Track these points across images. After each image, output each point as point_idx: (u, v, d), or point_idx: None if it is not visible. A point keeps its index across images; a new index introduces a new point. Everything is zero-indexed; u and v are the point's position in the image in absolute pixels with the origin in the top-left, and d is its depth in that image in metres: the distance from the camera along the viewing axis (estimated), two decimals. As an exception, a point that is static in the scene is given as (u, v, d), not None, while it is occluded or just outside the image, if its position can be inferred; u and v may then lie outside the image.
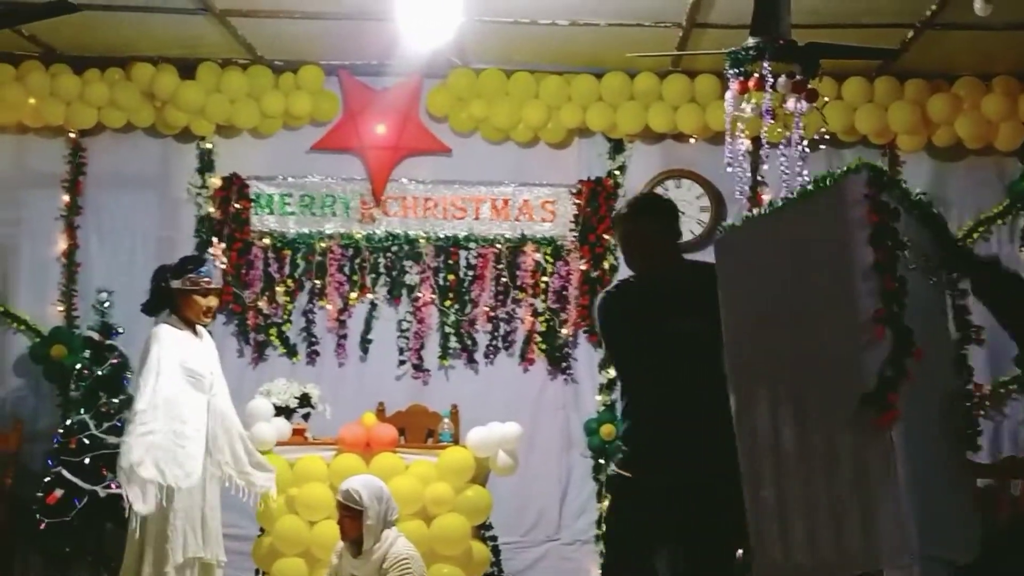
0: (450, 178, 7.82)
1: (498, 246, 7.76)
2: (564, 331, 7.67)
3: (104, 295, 7.29)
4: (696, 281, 4.25)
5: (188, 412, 5.49)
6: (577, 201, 7.74)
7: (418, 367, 7.71)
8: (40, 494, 6.90)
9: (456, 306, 7.73)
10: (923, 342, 3.44)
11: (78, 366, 7.19)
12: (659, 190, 7.65)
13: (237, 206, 7.73)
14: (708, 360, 3.95)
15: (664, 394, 4.25)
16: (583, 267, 7.66)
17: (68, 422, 7.09)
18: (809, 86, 5.55)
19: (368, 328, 7.74)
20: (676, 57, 7.22)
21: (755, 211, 4.25)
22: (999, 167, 7.66)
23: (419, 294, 7.73)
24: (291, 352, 7.71)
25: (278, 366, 7.62)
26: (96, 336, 7.21)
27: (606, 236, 7.57)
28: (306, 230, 7.78)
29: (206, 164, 7.80)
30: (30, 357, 7.61)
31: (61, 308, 7.70)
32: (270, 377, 7.08)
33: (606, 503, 6.49)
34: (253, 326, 7.71)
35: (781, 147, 5.93)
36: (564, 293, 7.69)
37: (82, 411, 7.04)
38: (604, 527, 4.57)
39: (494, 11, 6.64)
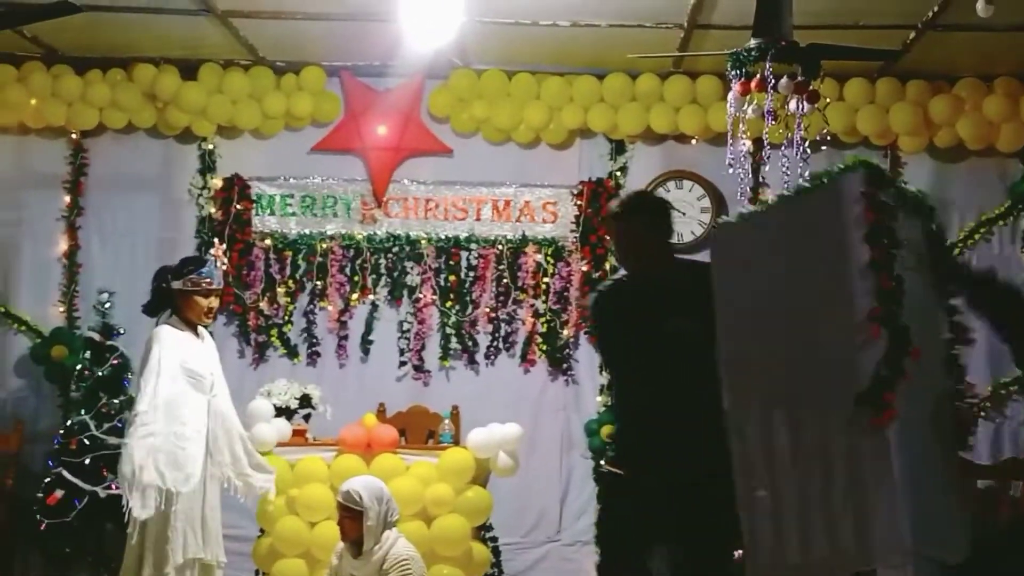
0: (451, 179, 7.82)
1: (499, 247, 7.76)
2: (565, 332, 7.67)
3: (105, 296, 7.28)
4: (689, 280, 4.25)
5: (189, 413, 5.49)
6: (578, 202, 7.74)
7: (419, 368, 7.72)
8: (40, 495, 6.90)
9: (457, 307, 7.73)
10: (918, 341, 3.44)
11: (79, 367, 7.19)
12: (661, 191, 7.64)
13: (238, 207, 7.73)
14: (701, 359, 3.95)
15: (657, 393, 4.24)
16: (584, 268, 7.66)
17: (69, 423, 7.09)
18: (811, 87, 5.54)
19: (369, 329, 7.74)
20: (678, 58, 7.22)
21: (751, 208, 4.25)
22: (1000, 168, 7.66)
23: (420, 295, 7.73)
24: (292, 353, 7.71)
25: (279, 367, 7.62)
26: (97, 337, 7.21)
27: (607, 237, 7.56)
28: (307, 231, 7.78)
29: (207, 165, 7.81)
30: (31, 358, 7.61)
31: (62, 309, 7.71)
32: (271, 378, 7.08)
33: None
34: (254, 327, 7.71)
35: (782, 148, 5.93)
36: (565, 294, 7.69)
37: (83, 412, 7.04)
38: (597, 526, 4.54)
39: (495, 12, 6.64)
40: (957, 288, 3.79)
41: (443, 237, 7.77)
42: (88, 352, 7.20)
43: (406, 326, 7.74)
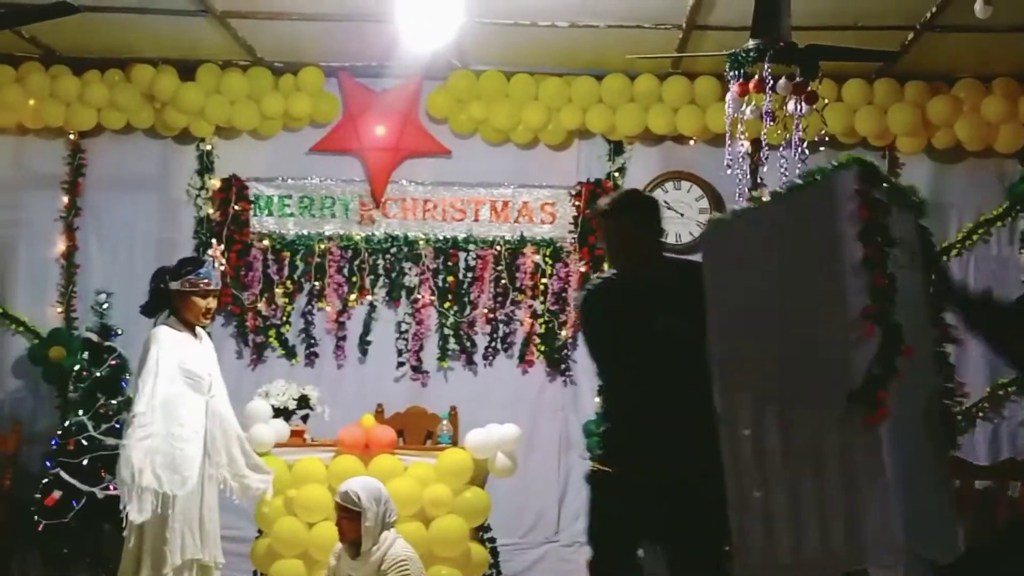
0: (450, 180, 7.82)
1: (497, 248, 7.75)
2: (563, 333, 7.67)
3: (103, 296, 7.28)
4: (679, 278, 4.25)
5: (186, 414, 5.48)
6: (577, 203, 7.73)
7: (417, 369, 7.71)
8: (38, 495, 6.90)
9: (455, 308, 7.73)
10: (911, 339, 3.43)
11: (77, 367, 7.18)
12: (659, 192, 7.65)
13: (236, 207, 7.73)
14: (691, 357, 3.94)
15: (646, 391, 4.22)
16: (582, 269, 7.66)
17: (66, 423, 7.09)
18: (809, 88, 5.54)
19: (367, 330, 7.74)
20: (676, 59, 7.23)
21: (743, 204, 4.24)
22: (999, 169, 7.66)
23: (418, 296, 7.73)
24: (290, 354, 7.71)
25: (277, 367, 7.62)
26: (95, 338, 7.21)
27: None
28: (305, 231, 7.78)
29: (205, 165, 7.80)
30: (29, 358, 7.61)
31: (60, 309, 7.70)
32: (269, 379, 7.08)
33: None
34: (252, 327, 7.70)
35: (781, 149, 5.93)
36: (563, 295, 7.68)
37: (80, 413, 7.04)
38: (587, 525, 4.52)
39: (494, 13, 6.64)
40: (954, 309, 3.78)
41: (441, 238, 7.77)
42: (86, 353, 7.20)
43: (404, 327, 7.74)
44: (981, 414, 7.39)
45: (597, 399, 7.58)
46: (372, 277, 7.76)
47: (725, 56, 5.59)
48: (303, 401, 6.69)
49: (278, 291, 7.71)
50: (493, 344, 7.72)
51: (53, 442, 7.09)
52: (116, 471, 5.40)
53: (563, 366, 7.70)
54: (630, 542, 4.37)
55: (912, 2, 6.33)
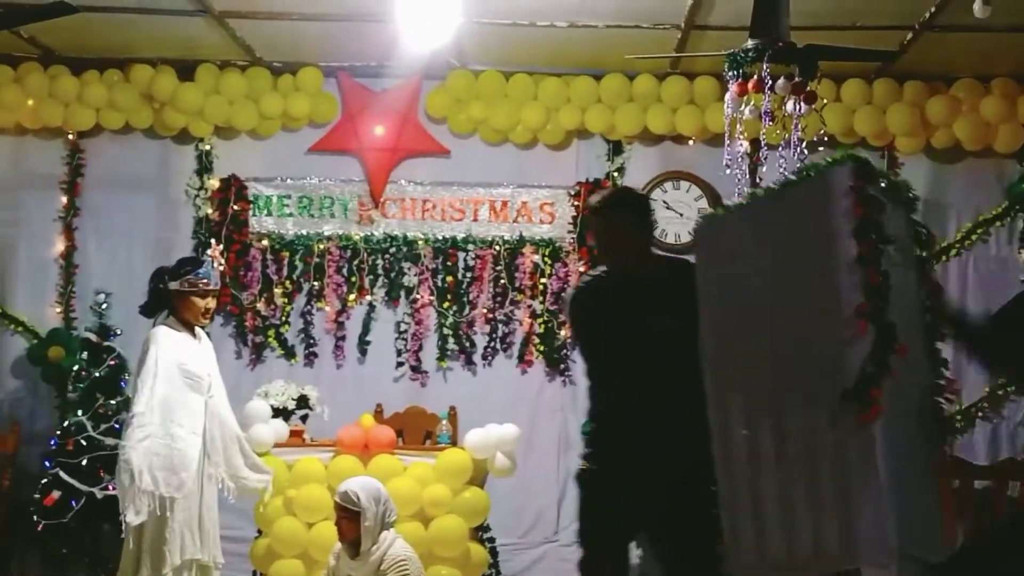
0: (449, 180, 7.81)
1: (496, 248, 7.75)
2: (562, 333, 7.66)
3: (102, 296, 7.28)
4: (670, 276, 4.23)
5: (185, 414, 5.48)
6: (576, 203, 7.73)
7: (416, 368, 7.71)
8: (37, 495, 6.90)
9: (454, 308, 7.73)
10: (904, 337, 3.42)
11: (76, 368, 7.18)
12: (658, 192, 7.66)
13: (235, 207, 7.72)
14: (683, 356, 3.93)
15: (637, 390, 4.19)
16: (581, 269, 7.64)
17: (66, 424, 7.08)
18: (808, 88, 5.55)
19: (366, 330, 7.74)
20: (675, 59, 7.23)
21: (736, 200, 4.22)
22: (998, 169, 7.66)
23: (417, 296, 7.73)
24: (289, 354, 7.70)
25: (276, 367, 7.62)
26: (94, 338, 7.21)
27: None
28: (304, 231, 7.78)
29: (204, 166, 7.80)
30: (28, 358, 7.61)
31: (59, 310, 7.70)
32: (268, 379, 7.07)
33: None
34: (251, 328, 7.70)
35: (780, 149, 5.93)
36: (562, 295, 7.67)
37: (80, 413, 7.03)
38: (577, 524, 4.48)
39: (493, 13, 6.64)
40: (959, 339, 3.77)
41: (440, 238, 7.77)
42: (85, 353, 7.20)
43: (403, 327, 7.74)
44: (981, 414, 7.39)
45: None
46: (371, 277, 7.75)
47: (724, 56, 5.60)
48: (302, 401, 6.69)
49: (277, 291, 7.71)
50: (492, 344, 7.72)
51: (52, 442, 7.09)
52: (116, 473, 5.40)
53: (562, 366, 7.69)
54: (621, 542, 4.35)
55: (911, 2, 6.33)
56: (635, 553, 4.65)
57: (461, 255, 7.77)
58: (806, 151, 5.77)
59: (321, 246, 7.74)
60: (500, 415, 6.63)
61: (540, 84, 7.63)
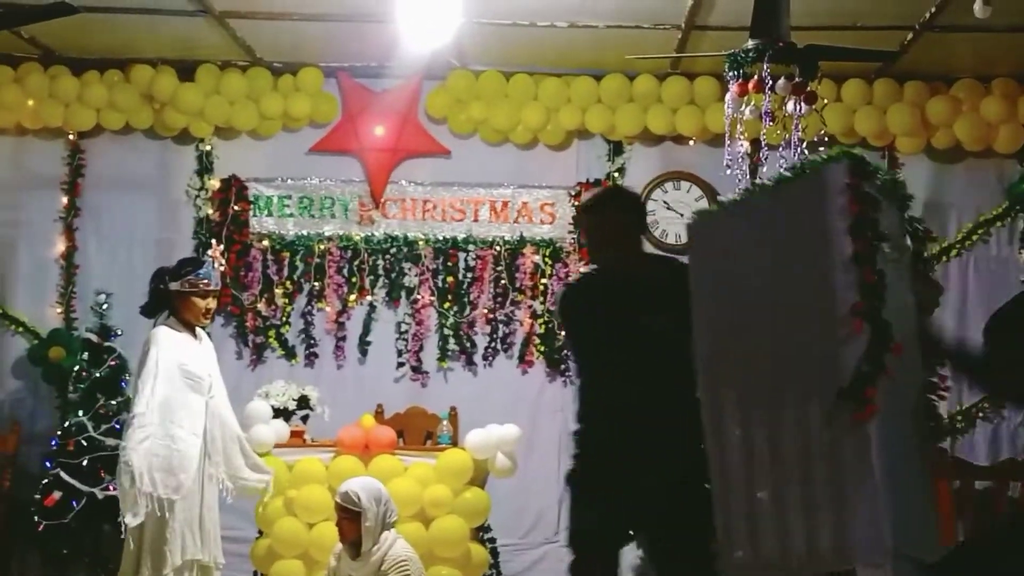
0: (449, 180, 7.81)
1: (497, 248, 7.75)
2: (563, 333, 7.66)
3: (102, 297, 7.28)
4: (663, 275, 4.22)
5: (186, 415, 5.48)
6: (576, 203, 7.72)
7: (417, 369, 7.71)
8: (38, 496, 6.89)
9: (455, 308, 7.73)
10: (899, 336, 3.41)
11: (76, 368, 7.17)
12: (658, 192, 7.66)
13: (236, 208, 7.72)
14: (675, 355, 3.91)
15: (627, 390, 4.15)
16: (582, 269, 7.65)
17: (66, 424, 7.08)
18: (808, 88, 5.55)
19: (367, 330, 7.74)
20: (675, 59, 7.22)
21: (730, 197, 4.19)
22: (998, 169, 7.67)
23: (418, 296, 7.73)
24: (290, 354, 7.70)
25: (276, 368, 7.62)
26: (94, 338, 7.21)
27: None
28: (305, 232, 7.78)
29: (205, 166, 7.80)
30: (28, 359, 7.61)
31: (59, 310, 7.70)
32: (268, 379, 7.07)
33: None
34: (252, 328, 7.70)
35: (780, 149, 5.93)
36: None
37: (80, 413, 7.03)
38: (568, 525, 4.45)
39: (493, 13, 6.64)
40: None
41: (441, 238, 7.77)
42: (86, 353, 7.20)
43: (404, 327, 7.74)
44: (981, 414, 7.39)
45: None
46: (372, 277, 7.75)
47: (724, 56, 5.59)
48: (303, 401, 6.69)
49: (278, 291, 7.71)
50: (493, 344, 7.72)
51: (53, 443, 7.08)
52: (116, 475, 5.40)
53: (563, 366, 7.68)
54: (611, 544, 4.32)
55: (911, 2, 6.33)
56: (636, 554, 4.64)
57: (462, 255, 7.77)
58: (806, 151, 5.77)
59: (322, 246, 7.75)
60: (501, 415, 6.63)
61: (540, 84, 7.63)
